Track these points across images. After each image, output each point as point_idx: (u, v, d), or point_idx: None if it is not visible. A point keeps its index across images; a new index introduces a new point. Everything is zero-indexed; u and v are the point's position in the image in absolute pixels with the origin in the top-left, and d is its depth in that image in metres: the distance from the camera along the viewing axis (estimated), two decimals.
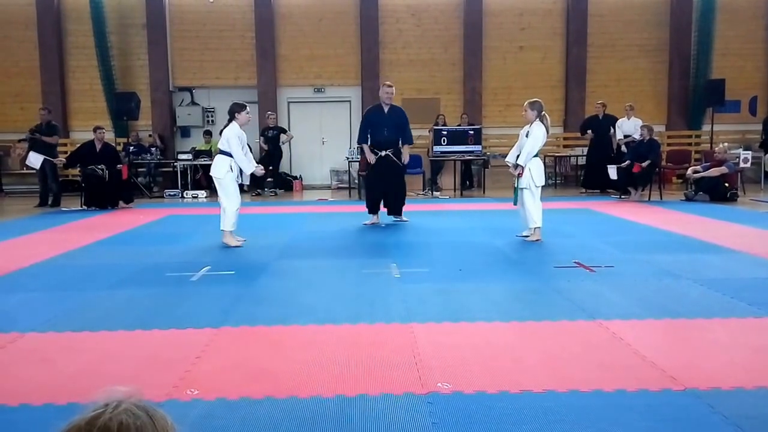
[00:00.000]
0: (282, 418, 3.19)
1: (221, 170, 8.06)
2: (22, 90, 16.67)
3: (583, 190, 14.85)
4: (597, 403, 3.31)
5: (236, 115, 8.17)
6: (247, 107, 8.38)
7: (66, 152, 15.74)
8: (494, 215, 10.84)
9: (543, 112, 8.16)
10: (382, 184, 9.76)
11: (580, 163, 16.35)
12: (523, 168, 8.11)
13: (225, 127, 8.37)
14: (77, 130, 16.62)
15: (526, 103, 8.32)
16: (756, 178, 15.85)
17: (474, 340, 4.31)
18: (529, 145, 8.08)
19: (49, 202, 13.13)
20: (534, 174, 8.08)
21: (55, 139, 13.30)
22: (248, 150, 8.46)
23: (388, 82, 10.13)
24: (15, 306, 5.37)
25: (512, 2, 17.00)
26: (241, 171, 8.15)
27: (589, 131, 14.79)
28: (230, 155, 8.02)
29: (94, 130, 12.66)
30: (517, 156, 8.23)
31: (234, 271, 6.63)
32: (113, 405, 1.33)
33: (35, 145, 13.02)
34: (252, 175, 8.38)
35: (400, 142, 9.78)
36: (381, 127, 9.66)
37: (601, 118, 14.71)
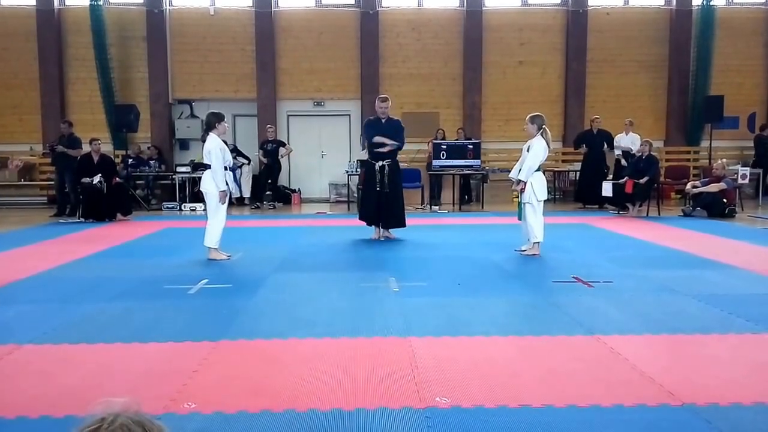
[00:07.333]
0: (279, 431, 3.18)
1: (214, 185, 7.90)
2: (21, 102, 16.68)
3: (581, 205, 14.87)
4: (595, 418, 3.31)
5: (216, 125, 8.03)
6: (225, 117, 8.24)
7: None
8: (493, 230, 10.85)
9: (544, 126, 8.19)
10: (379, 196, 9.51)
11: (579, 178, 16.35)
12: (524, 183, 8.14)
13: (202, 138, 8.25)
14: None
15: (527, 117, 8.36)
16: (754, 195, 15.88)
17: (472, 355, 4.30)
18: (530, 159, 8.11)
19: (67, 212, 13.31)
20: (536, 188, 8.10)
21: (78, 152, 13.35)
22: (230, 162, 8.20)
23: (382, 96, 9.97)
24: (12, 318, 5.35)
25: (512, 17, 17.07)
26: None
27: (583, 146, 14.85)
28: (222, 168, 7.90)
29: (90, 142, 12.66)
30: (520, 170, 8.27)
31: (232, 284, 6.62)
32: (110, 419, 1.32)
33: (56, 158, 13.41)
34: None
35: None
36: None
37: (595, 133, 14.77)
